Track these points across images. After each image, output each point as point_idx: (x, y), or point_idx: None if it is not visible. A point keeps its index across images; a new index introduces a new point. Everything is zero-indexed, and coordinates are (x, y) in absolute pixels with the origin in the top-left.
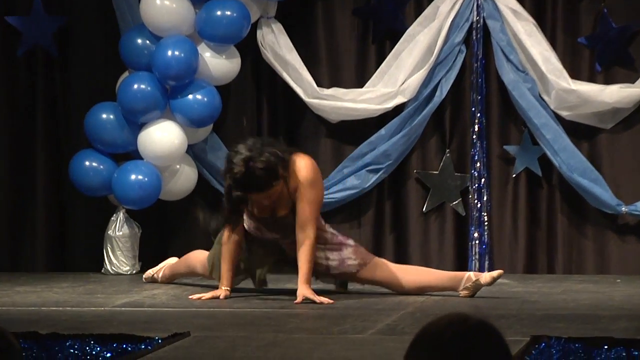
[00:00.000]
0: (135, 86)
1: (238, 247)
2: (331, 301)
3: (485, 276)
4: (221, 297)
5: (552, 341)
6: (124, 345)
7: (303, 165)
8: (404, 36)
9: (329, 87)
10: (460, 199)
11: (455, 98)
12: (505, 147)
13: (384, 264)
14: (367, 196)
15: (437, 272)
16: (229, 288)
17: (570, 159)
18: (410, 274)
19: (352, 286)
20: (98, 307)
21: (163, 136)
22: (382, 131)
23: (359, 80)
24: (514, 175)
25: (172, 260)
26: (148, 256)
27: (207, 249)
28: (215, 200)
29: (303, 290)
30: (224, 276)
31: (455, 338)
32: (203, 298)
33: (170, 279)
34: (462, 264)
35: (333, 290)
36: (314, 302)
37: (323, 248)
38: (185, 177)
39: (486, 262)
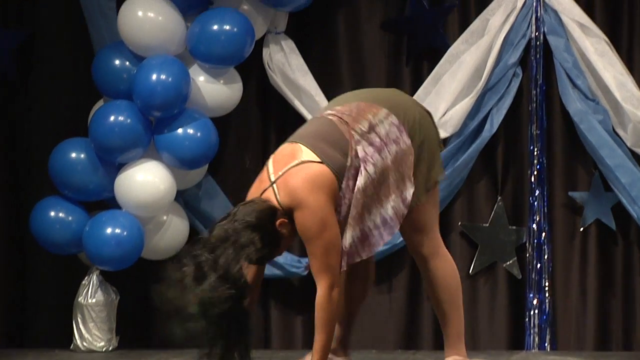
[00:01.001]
0: (112, 118)
1: None
2: None
3: None
4: None
5: None
6: None
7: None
8: (445, 56)
9: None
10: (515, 257)
11: (509, 132)
12: (571, 193)
13: None
14: (400, 254)
15: None
16: None
17: None
18: None
19: None
20: None
21: (146, 180)
22: None
23: None
24: (582, 229)
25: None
26: (128, 329)
27: None
28: None
29: None
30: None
31: None
32: None
33: None
34: (518, 339)
35: None
36: None
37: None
38: (173, 231)
39: (547, 336)
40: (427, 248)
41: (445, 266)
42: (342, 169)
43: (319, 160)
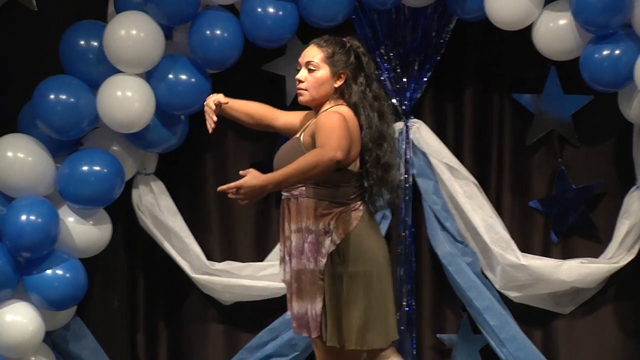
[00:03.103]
0: None
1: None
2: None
3: None
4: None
5: None
6: None
7: (330, 112)
8: None
9: (221, 260)
10: None
11: None
12: (439, 336)
13: None
14: None
15: None
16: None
17: (519, 351)
18: None
19: None
20: None
21: (14, 321)
22: (287, 315)
23: (259, 251)
24: None
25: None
26: None
27: None
28: None
29: (248, 180)
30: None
31: None
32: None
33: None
34: None
35: None
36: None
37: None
38: None
39: None
40: None
41: None
42: None
43: None
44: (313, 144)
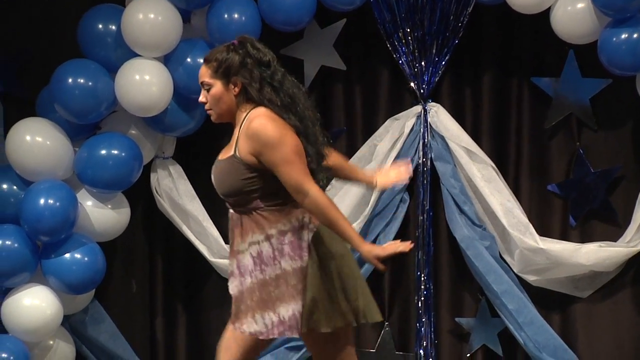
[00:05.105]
0: None
1: None
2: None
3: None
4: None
5: None
6: None
7: (257, 124)
8: (332, 181)
9: None
10: None
11: (396, 258)
12: (457, 319)
13: None
14: None
15: None
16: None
17: (537, 335)
18: None
19: None
20: None
21: (33, 305)
22: None
23: None
24: (468, 355)
25: None
26: None
27: None
28: None
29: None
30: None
31: None
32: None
33: None
34: None
35: None
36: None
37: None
38: (59, 356)
39: None
40: None
41: None
42: None
43: None
44: (259, 162)
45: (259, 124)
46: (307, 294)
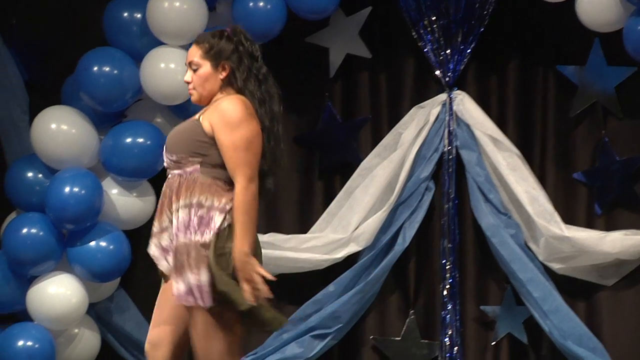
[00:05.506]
0: (24, 230)
1: None
2: (271, 277)
3: None
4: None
5: None
6: None
7: (228, 101)
8: (358, 170)
9: (265, 232)
10: None
11: (421, 247)
12: (482, 307)
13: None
14: None
15: None
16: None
17: (563, 323)
18: None
19: None
20: None
21: (58, 293)
22: (331, 287)
23: (302, 224)
24: (493, 343)
25: None
26: None
27: None
28: None
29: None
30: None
31: None
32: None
33: None
34: None
35: None
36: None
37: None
38: (84, 344)
39: None
40: None
41: None
42: None
43: None
44: (213, 134)
45: (229, 102)
46: (216, 272)
